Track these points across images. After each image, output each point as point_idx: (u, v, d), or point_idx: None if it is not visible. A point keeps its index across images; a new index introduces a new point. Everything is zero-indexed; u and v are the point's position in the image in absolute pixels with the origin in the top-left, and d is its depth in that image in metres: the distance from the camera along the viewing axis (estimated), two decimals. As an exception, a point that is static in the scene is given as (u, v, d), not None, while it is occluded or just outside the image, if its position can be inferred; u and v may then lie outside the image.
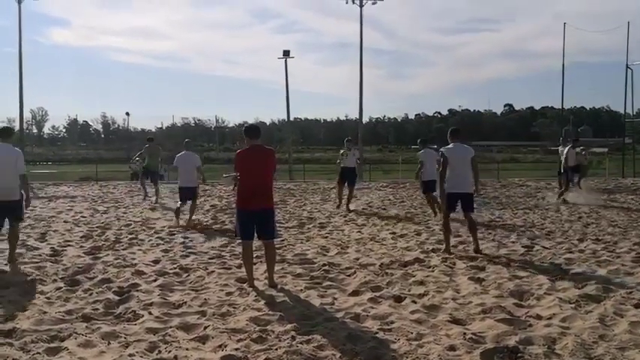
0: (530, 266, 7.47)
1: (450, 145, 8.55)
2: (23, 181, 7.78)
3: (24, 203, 7.88)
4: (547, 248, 8.78)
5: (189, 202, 11.62)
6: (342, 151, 14.36)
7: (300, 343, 4.64)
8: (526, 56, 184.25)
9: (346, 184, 14.17)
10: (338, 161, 14.53)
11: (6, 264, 7.63)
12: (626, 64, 31.58)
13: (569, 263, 7.65)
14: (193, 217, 11.62)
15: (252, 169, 6.57)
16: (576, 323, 5.10)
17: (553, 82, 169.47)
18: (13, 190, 7.64)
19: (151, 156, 16.56)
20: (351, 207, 14.12)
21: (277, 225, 11.29)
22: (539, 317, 5.33)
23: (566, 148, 16.45)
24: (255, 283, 6.60)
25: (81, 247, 9.03)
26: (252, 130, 6.77)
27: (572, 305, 5.67)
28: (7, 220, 7.71)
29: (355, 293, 6.25)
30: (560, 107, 35.80)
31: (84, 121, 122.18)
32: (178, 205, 11.68)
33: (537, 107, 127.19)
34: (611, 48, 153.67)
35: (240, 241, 6.91)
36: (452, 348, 4.55)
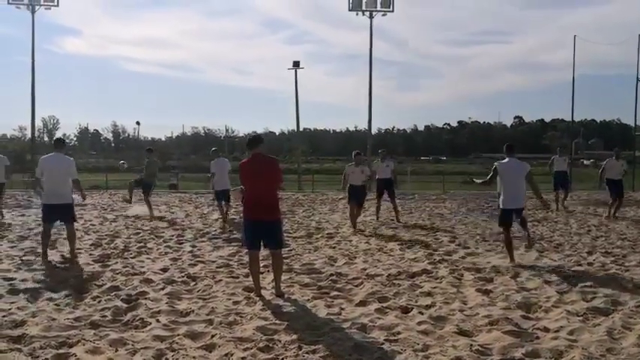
0: (539, 278, 7.44)
1: (505, 160, 8.63)
2: (77, 184, 9.14)
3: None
4: (555, 261, 8.75)
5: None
6: (374, 161, 14.64)
7: (307, 352, 4.66)
8: (536, 68, 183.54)
9: (386, 195, 14.23)
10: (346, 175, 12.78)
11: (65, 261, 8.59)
12: (637, 77, 31.45)
13: (578, 276, 7.61)
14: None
15: (252, 180, 6.62)
16: (584, 336, 5.07)
17: (563, 94, 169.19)
18: (66, 195, 8.90)
19: (147, 167, 14.92)
20: (359, 219, 13.13)
21: (286, 235, 11.33)
22: (546, 330, 5.32)
23: (554, 157, 17.68)
24: (263, 292, 6.62)
25: (90, 254, 9.09)
26: (251, 140, 6.80)
27: (580, 318, 5.65)
28: (58, 221, 9.11)
29: (362, 303, 6.25)
30: (571, 120, 35.56)
31: (95, 129, 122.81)
32: (218, 204, 13.76)
33: (547, 119, 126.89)
34: (622, 61, 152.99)
35: (247, 250, 6.94)
36: (458, 359, 4.54)
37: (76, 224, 12.70)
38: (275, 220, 6.67)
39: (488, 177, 8.79)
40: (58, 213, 8.91)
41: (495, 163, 8.72)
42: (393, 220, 14.27)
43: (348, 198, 12.76)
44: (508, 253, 8.65)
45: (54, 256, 8.86)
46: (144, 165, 15.28)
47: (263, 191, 6.58)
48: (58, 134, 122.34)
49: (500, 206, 8.67)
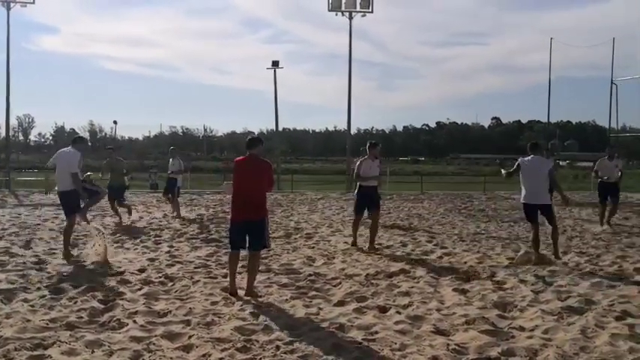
0: (514, 278, 7.53)
1: (528, 157, 8.92)
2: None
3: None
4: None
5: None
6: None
7: (285, 352, 4.67)
8: (513, 70, 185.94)
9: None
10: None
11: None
12: (611, 80, 32.09)
13: (553, 275, 7.72)
14: None
15: (243, 180, 6.63)
16: (558, 335, 5.15)
17: (540, 96, 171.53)
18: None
19: (113, 171, 13.43)
20: (338, 218, 13.96)
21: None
22: (521, 329, 5.39)
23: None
24: (240, 292, 6.61)
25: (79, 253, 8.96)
26: (249, 141, 6.82)
27: (555, 317, 5.74)
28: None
29: (340, 303, 6.27)
30: (547, 121, 36.06)
31: (71, 128, 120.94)
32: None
33: (524, 121, 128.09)
34: (597, 63, 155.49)
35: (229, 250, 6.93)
36: (435, 359, 4.59)
37: (51, 224, 12.64)
38: (259, 220, 6.63)
39: (512, 169, 9.17)
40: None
41: (519, 159, 9.07)
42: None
43: (358, 204, 10.18)
44: (533, 246, 8.85)
45: (28, 256, 8.73)
46: (103, 166, 13.82)
47: (251, 191, 6.60)
48: (34, 133, 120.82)
49: (521, 200, 9.09)
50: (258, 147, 6.72)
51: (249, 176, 6.62)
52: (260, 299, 6.43)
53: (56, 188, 9.31)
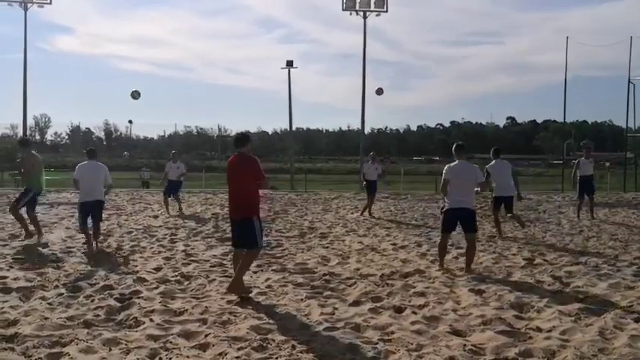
0: (531, 279, 7.48)
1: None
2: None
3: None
4: (548, 261, 8.79)
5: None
6: (364, 165, 15.66)
7: (301, 352, 4.67)
8: (529, 69, 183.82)
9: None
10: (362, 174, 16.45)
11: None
12: (629, 79, 31.68)
13: (570, 276, 7.66)
14: None
15: (231, 180, 6.67)
16: (576, 336, 5.10)
17: (555, 95, 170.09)
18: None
19: (32, 170, 10.37)
20: (352, 217, 14.59)
21: (278, 234, 11.33)
22: (539, 330, 5.35)
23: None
24: (255, 291, 6.65)
25: (83, 253, 9.05)
26: (236, 139, 6.84)
27: (572, 318, 5.68)
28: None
29: (356, 303, 6.26)
30: (563, 121, 35.73)
31: (86, 128, 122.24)
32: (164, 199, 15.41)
33: (539, 120, 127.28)
34: (614, 63, 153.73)
35: None
36: (452, 359, 4.56)
37: (68, 222, 12.76)
38: (247, 218, 6.52)
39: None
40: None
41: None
42: (386, 219, 14.33)
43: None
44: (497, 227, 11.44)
45: (46, 255, 8.81)
46: (17, 164, 11.54)
47: (238, 189, 6.62)
48: (50, 132, 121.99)
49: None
50: (245, 145, 6.65)
51: (234, 175, 6.63)
52: (271, 299, 6.43)
53: (86, 199, 9.50)
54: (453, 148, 8.62)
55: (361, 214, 15.44)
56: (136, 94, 14.45)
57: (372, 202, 15.63)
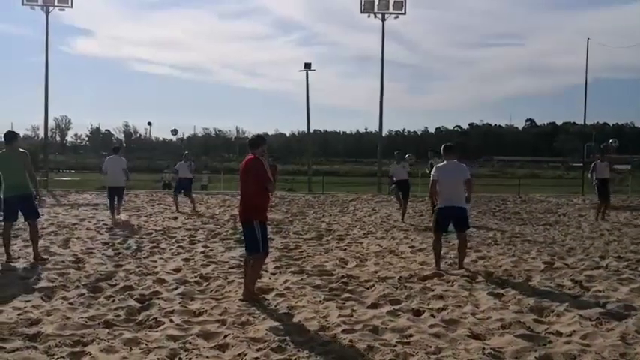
0: (551, 282, 7.42)
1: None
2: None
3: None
4: (568, 265, 8.70)
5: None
6: (390, 165, 15.37)
7: (319, 354, 4.68)
8: (548, 71, 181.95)
9: (400, 195, 14.98)
10: (390, 174, 15.85)
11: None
12: (650, 81, 31.26)
13: (591, 280, 7.57)
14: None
15: (240, 181, 6.74)
16: (597, 341, 5.05)
17: (575, 97, 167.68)
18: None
19: (11, 168, 8.48)
20: (370, 220, 14.21)
21: (296, 236, 11.36)
22: (559, 334, 5.30)
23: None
24: (273, 292, 6.69)
25: (103, 254, 9.15)
26: (250, 141, 6.86)
27: (593, 322, 5.62)
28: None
29: (374, 306, 6.25)
30: (583, 123, 35.40)
31: (106, 130, 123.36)
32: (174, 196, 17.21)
33: (559, 123, 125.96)
34: (635, 64, 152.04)
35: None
36: (471, 362, 4.55)
37: (88, 223, 12.92)
38: (245, 222, 6.61)
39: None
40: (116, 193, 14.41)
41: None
42: (404, 221, 14.28)
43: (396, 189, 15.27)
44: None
45: (67, 255, 8.92)
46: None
47: (242, 192, 6.71)
48: (70, 134, 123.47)
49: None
50: (259, 147, 6.60)
51: (241, 178, 6.71)
52: (289, 300, 6.44)
53: (110, 184, 14.31)
54: (442, 149, 8.64)
55: (402, 220, 14.52)
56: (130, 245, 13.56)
57: (406, 205, 14.91)
